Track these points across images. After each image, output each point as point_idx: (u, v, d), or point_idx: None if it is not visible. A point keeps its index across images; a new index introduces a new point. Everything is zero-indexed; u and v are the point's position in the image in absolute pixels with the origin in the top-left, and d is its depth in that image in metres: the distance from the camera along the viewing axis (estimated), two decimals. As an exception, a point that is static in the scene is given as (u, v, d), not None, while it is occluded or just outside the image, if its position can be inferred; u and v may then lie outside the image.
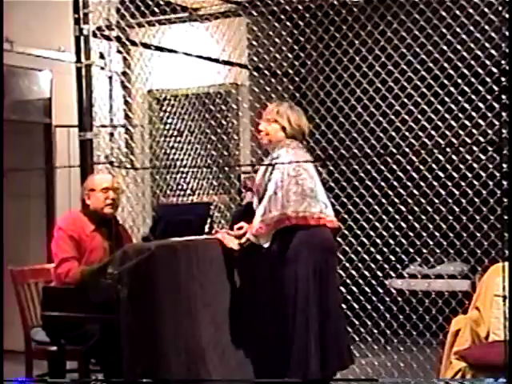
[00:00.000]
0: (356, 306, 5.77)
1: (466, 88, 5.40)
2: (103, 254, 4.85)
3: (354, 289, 5.81)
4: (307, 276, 4.48)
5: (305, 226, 4.52)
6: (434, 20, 5.40)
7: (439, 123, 5.59)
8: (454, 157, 5.66)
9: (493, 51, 5.25)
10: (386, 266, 5.78)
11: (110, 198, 4.94)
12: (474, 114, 5.46)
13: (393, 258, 5.75)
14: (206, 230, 4.73)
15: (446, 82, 5.50)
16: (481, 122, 5.42)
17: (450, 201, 5.51)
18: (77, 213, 5.03)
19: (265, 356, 4.50)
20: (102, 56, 6.65)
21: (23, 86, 6.79)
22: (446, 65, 5.50)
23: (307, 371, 4.40)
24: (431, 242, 5.72)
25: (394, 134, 5.63)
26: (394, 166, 5.64)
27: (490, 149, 5.33)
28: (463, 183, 5.39)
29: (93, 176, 5.25)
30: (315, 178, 4.62)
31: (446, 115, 5.56)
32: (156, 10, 6.30)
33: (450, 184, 5.55)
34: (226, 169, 7.16)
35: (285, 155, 4.56)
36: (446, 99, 5.51)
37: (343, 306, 5.26)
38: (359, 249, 5.83)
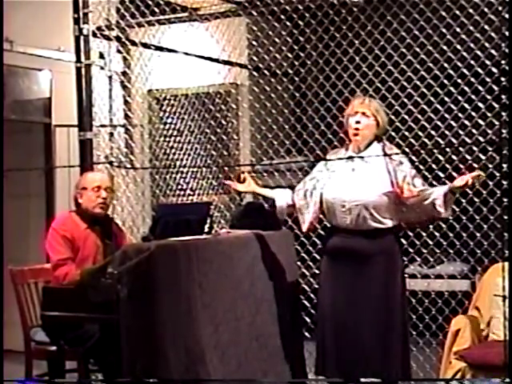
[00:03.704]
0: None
1: (465, 88, 5.40)
2: (96, 252, 4.88)
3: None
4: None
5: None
6: (434, 20, 5.41)
7: (439, 123, 5.58)
8: (453, 157, 5.65)
9: (493, 51, 5.25)
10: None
11: (102, 197, 4.94)
12: (473, 113, 5.46)
13: (392, 258, 5.74)
14: (206, 229, 4.73)
15: (445, 81, 5.50)
16: (481, 122, 5.42)
17: (449, 201, 5.49)
18: (68, 213, 5.05)
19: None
20: (101, 56, 6.65)
21: (23, 86, 6.79)
22: (445, 65, 5.50)
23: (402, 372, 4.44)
24: (431, 242, 5.71)
25: (393, 133, 5.62)
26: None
27: (489, 149, 5.32)
28: (463, 183, 5.38)
29: (85, 174, 5.26)
30: None
31: (446, 115, 5.56)
32: (156, 9, 6.31)
33: (449, 184, 5.53)
34: (226, 169, 7.15)
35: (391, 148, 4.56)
36: (446, 99, 5.50)
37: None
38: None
